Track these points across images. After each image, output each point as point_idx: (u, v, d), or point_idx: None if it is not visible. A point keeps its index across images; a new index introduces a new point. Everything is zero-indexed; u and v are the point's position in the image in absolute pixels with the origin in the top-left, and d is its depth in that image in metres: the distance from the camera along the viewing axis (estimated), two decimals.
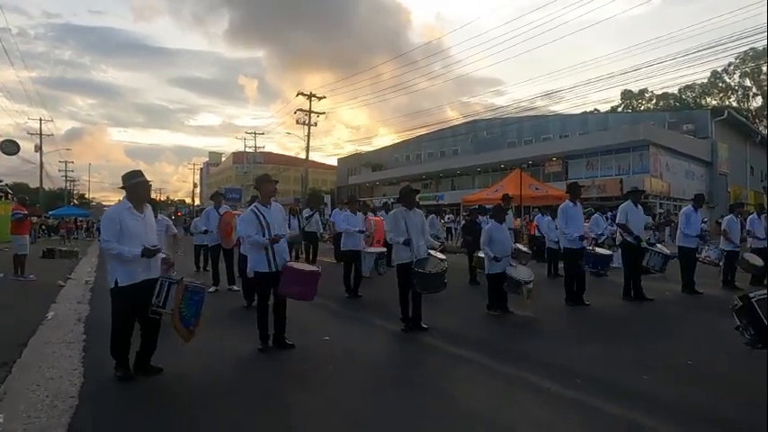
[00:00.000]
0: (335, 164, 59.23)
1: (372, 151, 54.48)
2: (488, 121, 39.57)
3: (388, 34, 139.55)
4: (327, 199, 31.47)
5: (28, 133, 42.89)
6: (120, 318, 3.98)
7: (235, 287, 8.49)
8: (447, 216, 25.77)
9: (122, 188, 4.15)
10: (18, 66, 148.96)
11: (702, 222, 9.74)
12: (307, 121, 32.55)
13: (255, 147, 49.55)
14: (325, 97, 33.32)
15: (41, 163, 43.11)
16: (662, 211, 25.69)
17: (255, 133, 48.93)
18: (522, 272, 6.79)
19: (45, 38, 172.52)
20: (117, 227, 3.91)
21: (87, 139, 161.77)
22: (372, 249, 8.38)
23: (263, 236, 4.82)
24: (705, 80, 49.02)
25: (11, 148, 34.95)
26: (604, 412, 3.40)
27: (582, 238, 7.20)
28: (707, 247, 8.81)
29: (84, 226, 38.91)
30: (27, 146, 40.91)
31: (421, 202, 6.83)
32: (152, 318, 4.00)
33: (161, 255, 4.24)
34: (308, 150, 33.50)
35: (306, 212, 12.63)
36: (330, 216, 13.36)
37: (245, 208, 6.25)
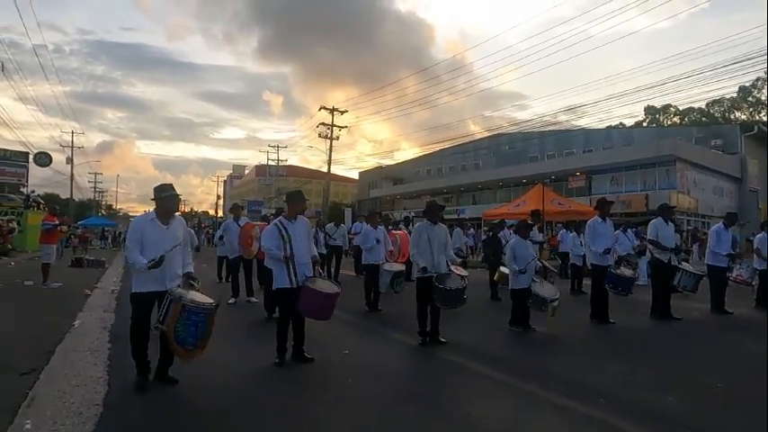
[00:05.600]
0: (357, 177, 59.56)
1: (394, 165, 54.64)
2: (511, 135, 39.41)
3: (411, 50, 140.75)
4: (348, 212, 31.54)
5: (60, 145, 44.36)
6: (133, 322, 4.12)
7: (253, 299, 8.56)
8: (469, 230, 25.58)
9: (153, 200, 4.28)
10: (53, 80, 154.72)
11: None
12: (329, 135, 32.90)
13: (278, 160, 50.23)
14: (347, 111, 33.70)
15: (72, 174, 44.47)
16: (690, 227, 25.09)
17: (278, 147, 49.65)
18: (547, 289, 6.69)
19: (79, 54, 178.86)
20: (139, 236, 4.09)
21: (116, 152, 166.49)
22: (390, 267, 8.33)
23: (285, 250, 4.84)
24: (734, 94, 48.08)
25: (44, 159, 36.11)
26: None
27: (607, 250, 7.08)
28: (738, 266, 8.57)
29: (111, 236, 39.83)
30: (59, 158, 41.96)
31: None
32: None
33: (188, 269, 4.30)
34: (329, 164, 33.82)
35: (329, 227, 12.71)
36: (352, 228, 13.41)
37: (271, 218, 6.33)
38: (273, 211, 10.98)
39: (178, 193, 4.34)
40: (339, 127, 33.28)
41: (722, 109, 51.57)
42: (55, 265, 10.45)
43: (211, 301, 4.12)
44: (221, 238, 9.42)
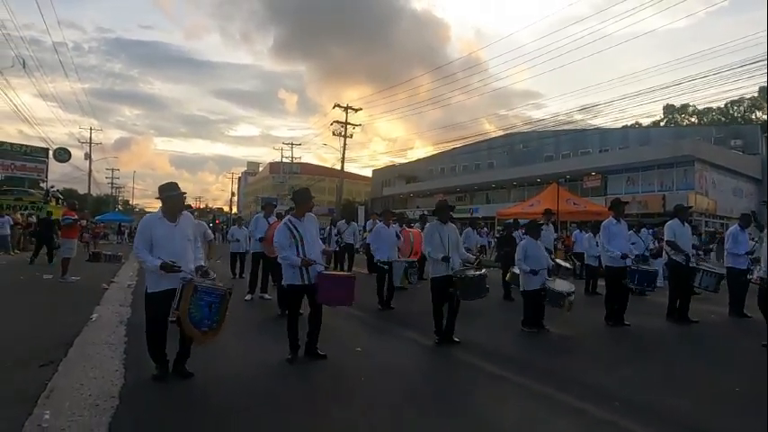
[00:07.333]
0: (370, 175, 59.60)
1: (407, 163, 54.56)
2: (525, 134, 39.12)
3: (426, 49, 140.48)
4: (361, 210, 31.62)
5: (79, 141, 45.25)
6: (149, 322, 4.16)
7: (266, 295, 8.61)
8: (483, 229, 25.45)
9: (158, 198, 4.32)
10: (72, 78, 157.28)
11: (752, 241, 9.31)
12: (343, 133, 32.96)
13: (292, 157, 50.39)
14: (361, 109, 33.73)
15: (90, 170, 45.18)
16: (711, 229, 24.69)
17: (292, 144, 49.78)
18: (562, 284, 6.65)
19: (98, 51, 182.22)
20: (147, 235, 4.13)
21: (134, 148, 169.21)
22: (403, 259, 8.33)
23: (296, 247, 4.85)
24: (754, 94, 47.11)
25: (63, 155, 36.79)
26: None
27: (624, 256, 7.00)
28: (758, 268, 8.41)
29: (127, 231, 40.34)
30: (78, 154, 42.78)
31: (455, 215, 6.85)
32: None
33: (199, 263, 4.33)
34: (343, 162, 33.89)
35: (341, 225, 12.73)
36: (366, 226, 13.43)
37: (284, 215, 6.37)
38: (287, 209, 10.98)
39: (183, 190, 4.35)
40: (353, 125, 33.36)
41: (742, 109, 50.63)
42: (72, 260, 10.61)
43: (223, 284, 4.19)
44: (260, 239, 8.91)
